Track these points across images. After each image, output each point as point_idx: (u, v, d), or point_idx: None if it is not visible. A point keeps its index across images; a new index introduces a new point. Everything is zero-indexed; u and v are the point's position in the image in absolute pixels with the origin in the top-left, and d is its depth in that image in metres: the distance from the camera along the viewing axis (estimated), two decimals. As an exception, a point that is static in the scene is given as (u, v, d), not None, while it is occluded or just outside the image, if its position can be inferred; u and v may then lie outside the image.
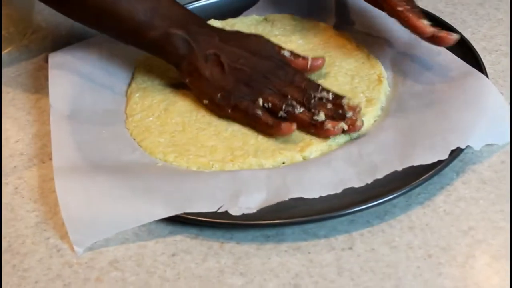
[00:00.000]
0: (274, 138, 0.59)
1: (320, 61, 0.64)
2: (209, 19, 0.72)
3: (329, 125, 0.57)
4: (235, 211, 0.52)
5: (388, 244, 0.51)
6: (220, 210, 0.52)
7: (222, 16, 0.74)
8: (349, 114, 0.58)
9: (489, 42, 0.69)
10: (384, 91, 0.63)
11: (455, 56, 0.63)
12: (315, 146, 0.57)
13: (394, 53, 0.66)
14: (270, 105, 0.59)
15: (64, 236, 0.54)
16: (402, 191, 0.52)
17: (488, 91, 0.58)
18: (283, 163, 0.57)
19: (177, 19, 0.62)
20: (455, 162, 0.55)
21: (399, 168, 0.53)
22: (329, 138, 0.58)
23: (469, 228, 0.51)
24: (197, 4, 0.76)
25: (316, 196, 0.52)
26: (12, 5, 0.74)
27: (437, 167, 0.53)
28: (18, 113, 0.68)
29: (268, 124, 0.58)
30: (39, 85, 0.70)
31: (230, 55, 0.61)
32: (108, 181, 0.55)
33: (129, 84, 0.68)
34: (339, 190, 0.53)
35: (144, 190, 0.54)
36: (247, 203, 0.52)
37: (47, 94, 0.66)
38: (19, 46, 0.77)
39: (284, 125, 0.57)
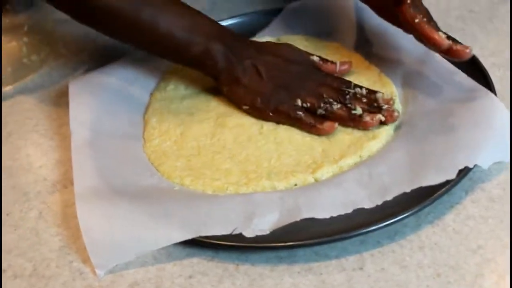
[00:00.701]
0: (289, 160, 0.61)
1: (347, 65, 0.68)
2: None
3: (367, 117, 0.61)
4: (248, 233, 0.54)
5: (398, 263, 0.52)
6: (234, 232, 0.54)
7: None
8: (385, 106, 0.62)
9: (498, 57, 0.70)
10: (396, 111, 0.64)
11: (464, 74, 0.64)
12: (327, 168, 0.59)
13: (405, 72, 0.67)
14: (308, 105, 0.63)
15: (86, 259, 0.56)
16: (412, 211, 0.53)
17: (496, 109, 0.59)
18: (296, 185, 0.58)
19: (214, 34, 0.66)
20: (464, 180, 0.56)
21: (408, 190, 0.54)
22: (368, 129, 0.61)
23: (478, 247, 0.52)
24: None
25: (327, 216, 0.54)
26: (33, 34, 0.77)
27: (446, 186, 0.54)
28: (41, 139, 0.70)
29: (310, 124, 0.62)
30: (61, 111, 0.73)
31: (266, 63, 0.66)
32: (128, 206, 0.57)
33: (146, 109, 0.70)
34: (349, 210, 0.54)
35: (162, 214, 0.56)
36: (260, 225, 0.54)
37: (69, 120, 0.68)
38: (41, 73, 0.79)
39: (327, 124, 0.62)
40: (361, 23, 0.73)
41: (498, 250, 0.52)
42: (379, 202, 0.54)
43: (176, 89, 0.71)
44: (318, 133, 0.62)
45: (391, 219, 0.53)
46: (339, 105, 0.62)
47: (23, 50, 0.77)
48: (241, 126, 0.65)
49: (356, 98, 0.63)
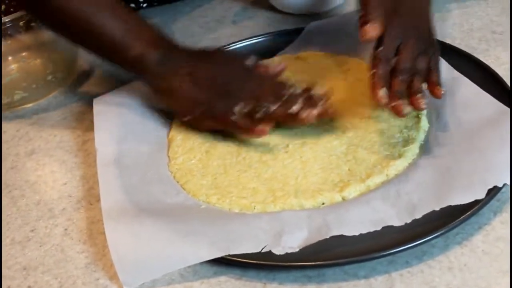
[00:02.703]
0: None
1: (281, 66, 0.68)
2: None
3: (303, 114, 0.62)
4: (278, 251, 0.54)
5: (428, 284, 0.52)
6: (263, 250, 0.54)
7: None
8: (321, 102, 0.63)
9: (523, 78, 0.70)
10: (423, 129, 0.64)
11: (489, 95, 0.64)
12: (354, 187, 0.59)
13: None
14: (246, 110, 0.64)
15: (113, 277, 0.56)
16: (440, 232, 0.53)
17: (523, 129, 0.59)
18: (323, 203, 0.58)
19: (151, 41, 0.67)
20: (493, 201, 0.56)
21: (437, 208, 0.54)
22: (304, 125, 0.63)
23: (508, 269, 0.52)
24: (235, 46, 0.79)
25: (357, 233, 0.54)
26: (58, 51, 0.78)
27: (474, 207, 0.54)
28: (65, 156, 0.70)
29: (245, 128, 0.64)
30: (84, 128, 0.73)
31: (202, 71, 0.66)
32: (155, 223, 0.57)
33: (171, 127, 0.70)
34: (378, 228, 0.54)
35: (189, 232, 0.56)
36: (290, 243, 0.54)
37: (92, 136, 0.69)
38: (65, 90, 0.80)
39: (258, 128, 0.63)
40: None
41: (528, 272, 0.51)
42: (408, 220, 0.54)
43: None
44: (252, 135, 0.64)
45: (419, 239, 0.53)
46: (276, 106, 0.63)
47: (48, 68, 0.78)
48: (266, 144, 0.65)
49: (292, 98, 0.63)
